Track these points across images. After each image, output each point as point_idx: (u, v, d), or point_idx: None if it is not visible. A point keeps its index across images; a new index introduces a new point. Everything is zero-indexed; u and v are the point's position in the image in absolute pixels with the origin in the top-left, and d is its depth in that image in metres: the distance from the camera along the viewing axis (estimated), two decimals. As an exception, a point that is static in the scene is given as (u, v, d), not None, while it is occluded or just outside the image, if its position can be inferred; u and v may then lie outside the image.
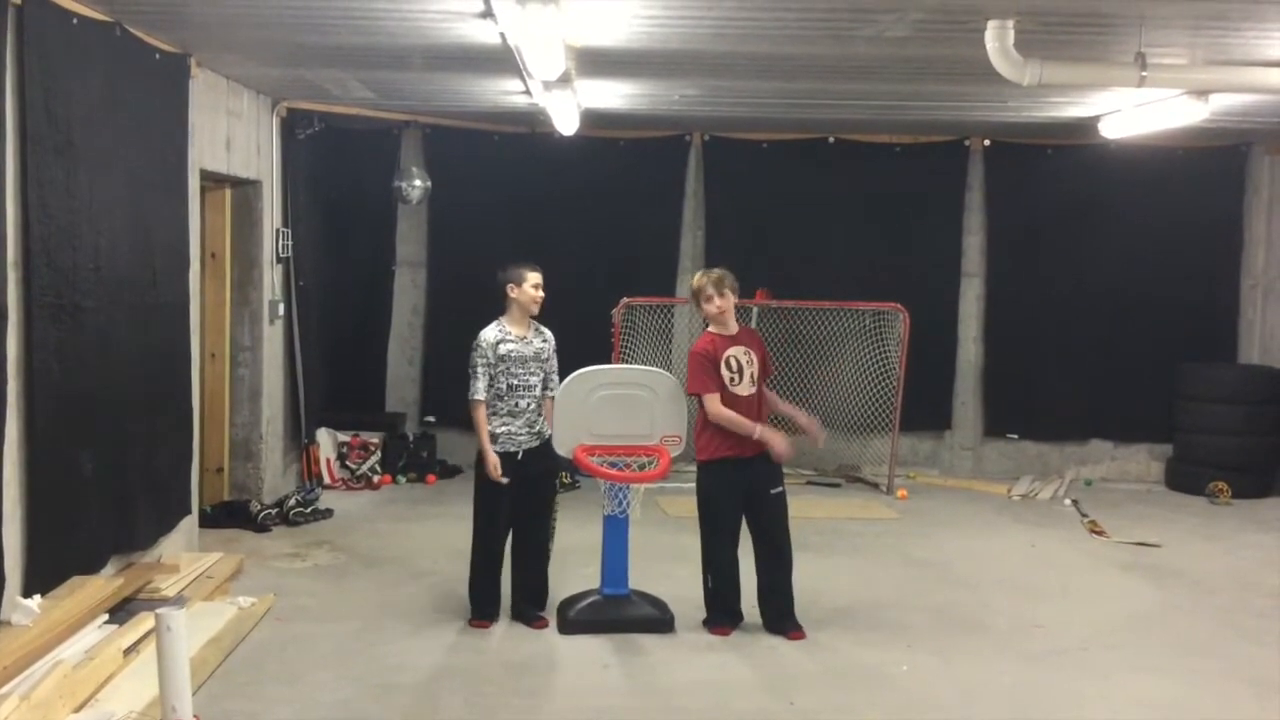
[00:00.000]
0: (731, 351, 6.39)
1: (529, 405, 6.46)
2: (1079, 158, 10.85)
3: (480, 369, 6.38)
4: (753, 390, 6.39)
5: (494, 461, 6.33)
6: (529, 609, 6.56)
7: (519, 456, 6.43)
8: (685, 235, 11.27)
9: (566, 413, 6.47)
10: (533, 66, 6.46)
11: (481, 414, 6.39)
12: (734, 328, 6.47)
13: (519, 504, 6.51)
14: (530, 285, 6.45)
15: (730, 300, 6.39)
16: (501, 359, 6.39)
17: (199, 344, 7.83)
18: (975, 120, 10.04)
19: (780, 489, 6.45)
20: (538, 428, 6.50)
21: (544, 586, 6.65)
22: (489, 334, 6.43)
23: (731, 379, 6.36)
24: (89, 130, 5.87)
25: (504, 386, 6.40)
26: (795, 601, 6.49)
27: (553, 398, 6.54)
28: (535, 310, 6.51)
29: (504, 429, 6.42)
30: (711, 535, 6.48)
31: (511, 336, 6.45)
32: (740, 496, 6.41)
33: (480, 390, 6.38)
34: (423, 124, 10.71)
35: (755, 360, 6.42)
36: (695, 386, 6.37)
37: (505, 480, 6.32)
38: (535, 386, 6.48)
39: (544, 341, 6.58)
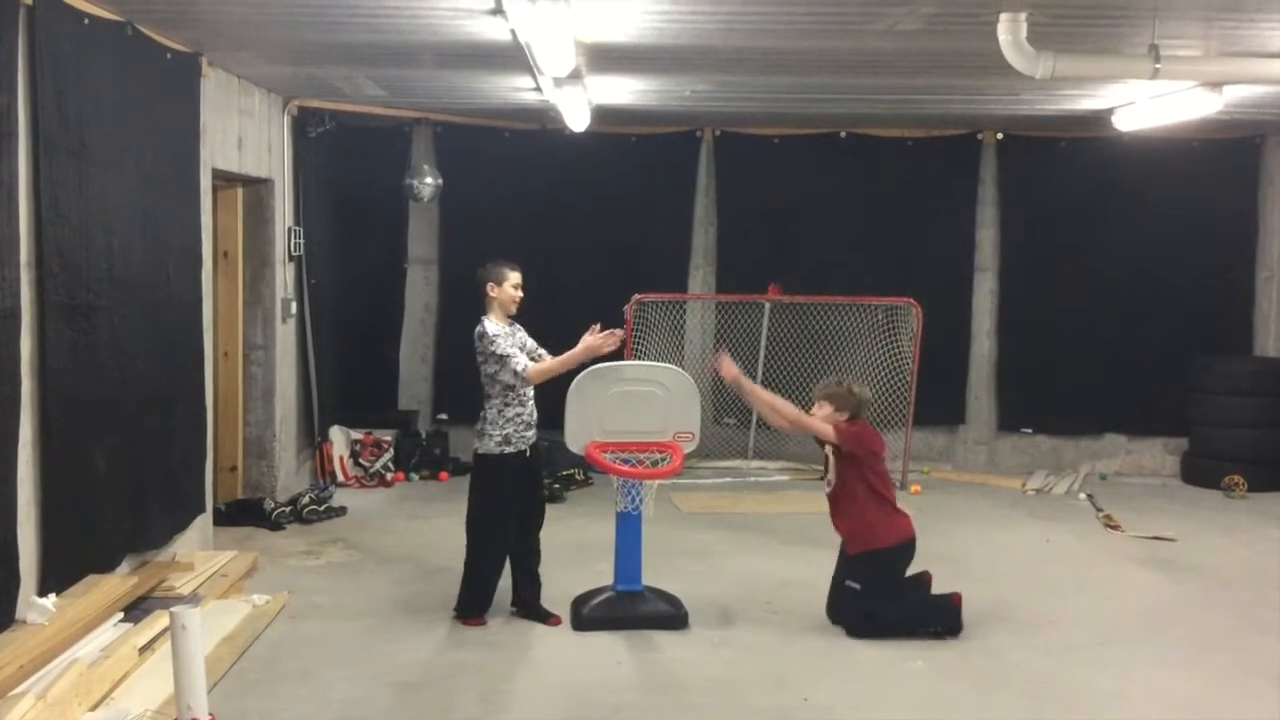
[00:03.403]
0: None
1: (532, 395, 6.46)
2: (1092, 150, 10.80)
3: (509, 349, 6.27)
4: (828, 490, 6.59)
5: (593, 343, 6.29)
6: (542, 607, 6.56)
7: (527, 454, 6.44)
8: (697, 231, 11.26)
9: (579, 409, 6.46)
10: (543, 63, 6.45)
11: (546, 362, 6.38)
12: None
13: (526, 501, 6.52)
14: (511, 285, 6.42)
15: (826, 409, 6.47)
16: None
17: (212, 343, 7.85)
18: (988, 113, 10.00)
19: (850, 584, 6.46)
20: (535, 418, 6.51)
21: (539, 577, 6.65)
22: (493, 326, 6.36)
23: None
24: (101, 130, 5.88)
25: (515, 380, 6.38)
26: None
27: None
28: (514, 310, 6.48)
29: (515, 427, 6.37)
30: None
31: (505, 330, 6.42)
32: None
33: (523, 361, 6.29)
34: (434, 121, 10.72)
35: (833, 457, 6.50)
36: None
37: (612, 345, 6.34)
38: None
39: (523, 333, 6.58)
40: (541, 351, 6.53)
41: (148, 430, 6.51)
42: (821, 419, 6.46)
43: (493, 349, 6.29)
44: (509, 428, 6.35)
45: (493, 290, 6.42)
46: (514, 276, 6.44)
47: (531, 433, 6.46)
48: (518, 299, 6.45)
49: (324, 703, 5.38)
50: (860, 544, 6.42)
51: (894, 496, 6.57)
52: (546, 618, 6.50)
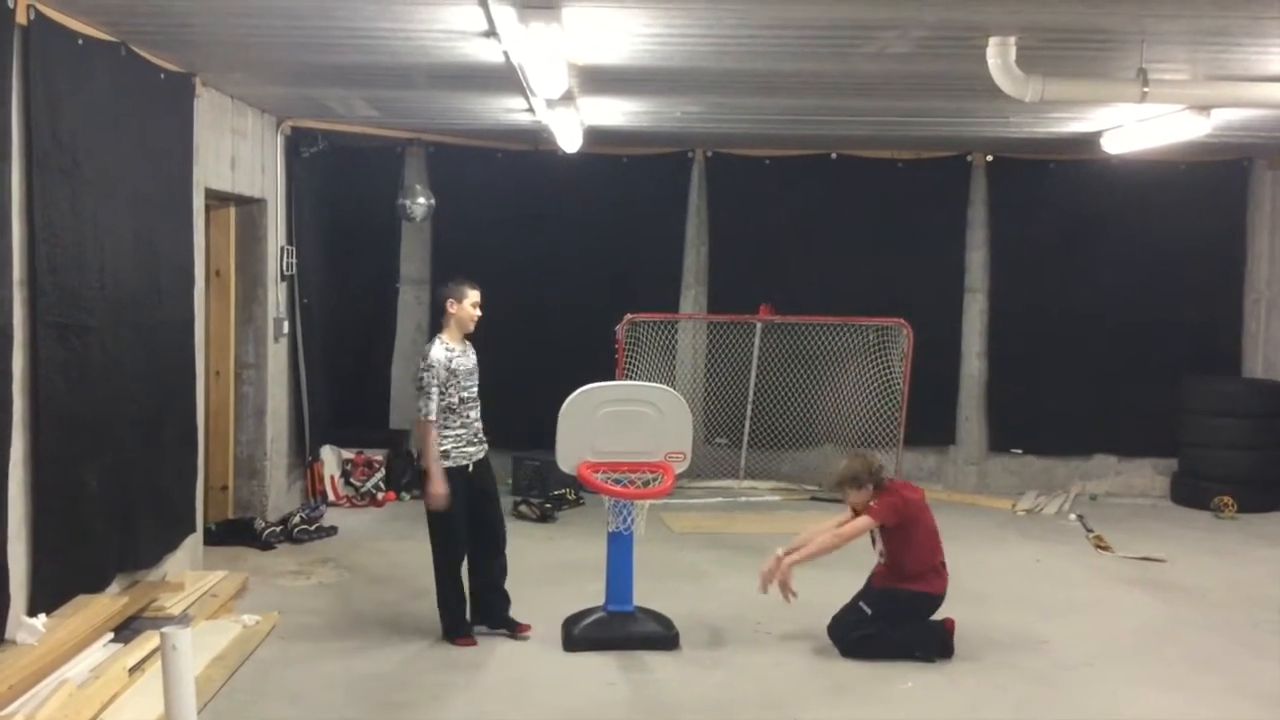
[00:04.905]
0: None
1: (477, 416, 6.54)
2: (1081, 173, 10.86)
3: (433, 389, 6.36)
4: (881, 560, 6.61)
5: (443, 491, 6.33)
6: (509, 618, 6.58)
7: (470, 469, 6.48)
8: (689, 251, 11.29)
9: (570, 429, 6.48)
10: (536, 84, 6.48)
11: (434, 434, 6.37)
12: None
13: (476, 516, 6.54)
14: (470, 303, 6.51)
15: (854, 496, 6.53)
16: (453, 374, 6.42)
17: (204, 362, 7.84)
18: (977, 136, 10.05)
19: (862, 605, 6.52)
20: (481, 436, 6.58)
21: (506, 592, 6.66)
22: (438, 353, 6.42)
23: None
24: (94, 149, 5.89)
25: (455, 400, 6.43)
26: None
27: None
28: (472, 328, 6.55)
29: (456, 444, 6.44)
30: None
31: (456, 351, 6.49)
32: None
33: (434, 410, 6.36)
34: (426, 142, 10.74)
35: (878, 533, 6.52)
36: None
37: (447, 505, 6.34)
38: (478, 397, 6.56)
39: (474, 353, 6.64)
40: (474, 382, 6.53)
41: (139, 449, 6.49)
42: (852, 505, 6.54)
43: (420, 374, 6.39)
44: (447, 444, 6.42)
45: (452, 307, 6.50)
46: (473, 295, 6.53)
47: (474, 449, 6.52)
48: (475, 317, 6.54)
49: (314, 723, 5.38)
50: (887, 581, 6.48)
51: (941, 557, 6.56)
52: (515, 627, 6.53)
